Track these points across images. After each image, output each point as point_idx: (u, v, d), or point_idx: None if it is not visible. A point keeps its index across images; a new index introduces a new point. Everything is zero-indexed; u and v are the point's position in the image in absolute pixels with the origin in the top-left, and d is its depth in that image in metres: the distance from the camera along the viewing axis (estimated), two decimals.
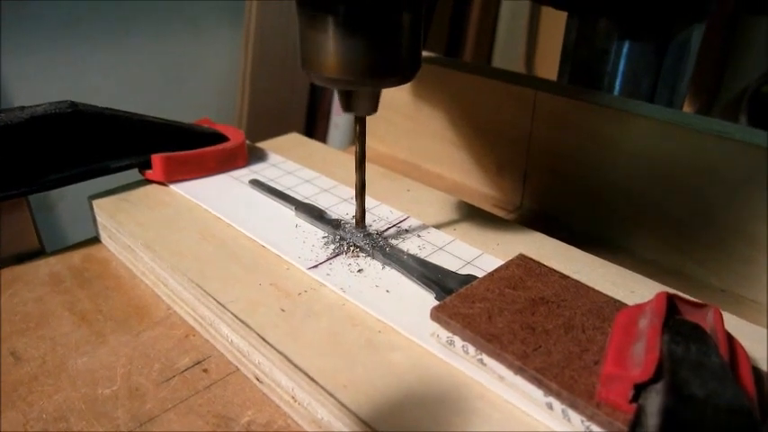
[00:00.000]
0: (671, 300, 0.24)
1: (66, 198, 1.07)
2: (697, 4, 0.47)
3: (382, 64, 0.29)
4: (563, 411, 0.23)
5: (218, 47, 1.27)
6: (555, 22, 0.72)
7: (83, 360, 0.31)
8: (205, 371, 0.30)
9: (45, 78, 1.05)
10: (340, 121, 1.25)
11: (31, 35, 1.02)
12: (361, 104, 0.31)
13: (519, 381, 0.24)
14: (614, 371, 0.22)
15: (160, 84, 1.19)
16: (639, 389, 0.21)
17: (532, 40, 0.72)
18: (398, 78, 0.30)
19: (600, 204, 0.43)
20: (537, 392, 0.23)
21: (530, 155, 0.47)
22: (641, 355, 0.22)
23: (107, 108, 0.40)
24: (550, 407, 0.23)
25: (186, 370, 0.30)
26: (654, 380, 0.21)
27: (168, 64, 1.21)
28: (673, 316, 0.24)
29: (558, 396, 0.23)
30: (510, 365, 0.24)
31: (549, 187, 0.46)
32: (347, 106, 0.31)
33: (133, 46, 1.15)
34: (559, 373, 0.23)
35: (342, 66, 0.29)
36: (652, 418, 0.20)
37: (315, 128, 1.29)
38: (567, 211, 0.46)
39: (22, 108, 0.38)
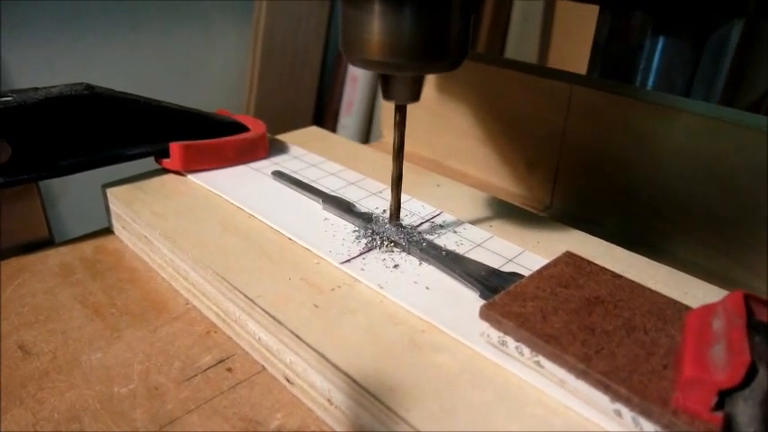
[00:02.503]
0: (747, 299, 0.22)
1: (68, 194, 1.05)
2: None
3: (430, 46, 0.27)
4: (633, 419, 0.21)
5: (225, 45, 1.26)
6: (571, 16, 0.71)
7: (97, 356, 0.29)
8: (229, 370, 0.28)
9: (50, 73, 1.03)
10: (348, 122, 1.24)
11: (36, 29, 1.00)
12: (404, 91, 0.29)
13: (582, 385, 0.22)
14: (696, 375, 0.19)
15: (166, 81, 1.17)
16: (724, 395, 0.19)
17: (547, 33, 0.70)
18: (447, 63, 0.28)
19: (637, 204, 0.41)
20: (603, 398, 0.21)
21: (562, 152, 0.45)
22: (723, 359, 0.20)
23: (124, 92, 0.38)
24: (619, 414, 0.21)
25: (209, 369, 0.28)
26: (741, 385, 0.19)
27: (175, 61, 1.19)
28: (751, 317, 0.22)
29: (627, 402, 0.21)
30: (572, 368, 0.22)
31: (582, 186, 0.45)
32: (388, 93, 0.29)
33: (140, 42, 1.13)
34: (627, 378, 0.21)
35: (386, 47, 0.27)
36: (746, 428, 0.18)
37: (322, 128, 1.27)
38: (600, 211, 0.44)
39: (36, 89, 0.36)
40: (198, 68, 1.24)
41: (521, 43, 0.74)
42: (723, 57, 0.47)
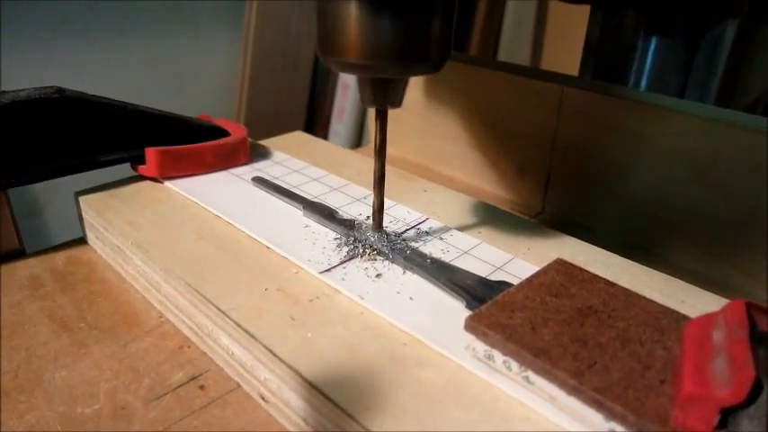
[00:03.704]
0: (749, 309, 0.21)
1: (54, 202, 1.03)
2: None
3: (411, 47, 0.25)
4: None
5: (216, 51, 1.24)
6: (563, 17, 0.69)
7: (61, 374, 0.27)
8: (201, 387, 0.27)
9: (37, 80, 1.01)
10: (340, 128, 1.22)
11: (23, 34, 0.98)
12: (384, 95, 0.28)
13: (573, 402, 0.20)
14: (697, 391, 0.18)
15: (156, 87, 1.16)
16: (727, 413, 0.18)
17: (539, 35, 0.69)
18: (429, 65, 0.27)
19: (631, 209, 0.40)
20: (596, 416, 0.20)
21: (554, 156, 0.43)
22: (726, 374, 0.18)
23: (97, 96, 0.37)
24: None
25: (180, 386, 0.27)
26: (746, 403, 0.17)
27: (164, 67, 1.18)
28: (754, 328, 0.20)
29: (622, 421, 0.19)
30: (563, 384, 0.21)
31: (574, 190, 0.43)
32: (367, 97, 0.28)
33: (129, 47, 1.11)
34: (622, 394, 0.20)
35: (366, 49, 0.25)
36: None
37: (314, 135, 1.26)
38: (593, 217, 0.43)
39: (3, 92, 0.34)
40: (188, 75, 1.22)
41: (513, 46, 0.73)
42: (717, 58, 0.45)
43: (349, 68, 0.27)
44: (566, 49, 0.51)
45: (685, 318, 0.24)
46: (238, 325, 0.25)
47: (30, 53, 0.99)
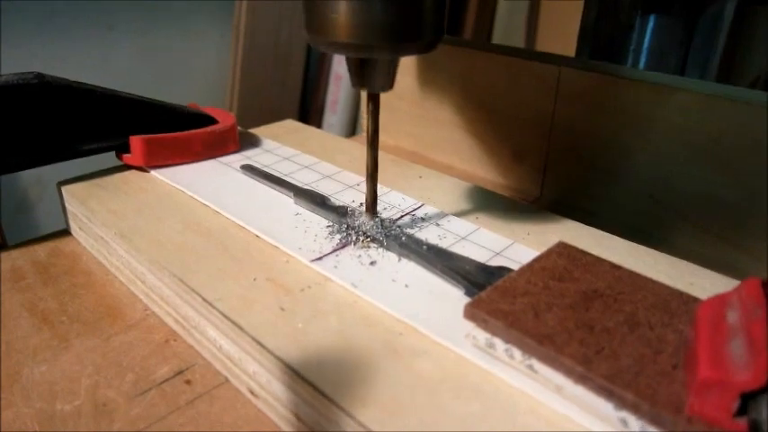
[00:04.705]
0: (766, 287, 0.20)
1: (44, 196, 1.01)
2: None
3: (403, 25, 0.24)
4: (642, 429, 0.18)
5: (207, 45, 1.23)
6: None
7: (41, 369, 0.26)
8: (188, 382, 0.25)
9: None
10: (333, 120, 1.21)
11: (10, 30, 0.96)
12: (376, 78, 0.26)
13: (581, 391, 0.19)
14: (714, 376, 0.17)
15: (147, 80, 1.14)
16: (747, 399, 0.16)
17: (534, 16, 0.68)
18: (422, 44, 0.25)
19: (632, 191, 0.39)
20: (606, 406, 0.19)
21: (552, 139, 0.42)
22: (744, 356, 0.17)
23: (79, 82, 0.35)
24: (625, 423, 0.18)
25: (165, 381, 0.25)
26: (767, 387, 0.16)
27: (155, 62, 1.16)
28: None
29: (635, 409, 0.18)
30: (569, 372, 0.19)
31: (573, 174, 0.42)
32: (358, 79, 0.27)
33: (117, 43, 1.10)
34: (633, 381, 0.19)
35: (355, 28, 0.24)
36: None
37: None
38: (593, 200, 0.41)
39: None
40: (179, 69, 1.21)
41: (508, 28, 0.71)
42: (717, 36, 0.44)
43: (337, 49, 0.25)
44: (561, 31, 0.50)
45: (695, 299, 0.23)
46: (225, 316, 0.24)
47: (17, 48, 0.97)
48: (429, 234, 0.30)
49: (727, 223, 0.35)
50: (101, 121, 0.36)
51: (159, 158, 0.38)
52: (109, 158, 0.38)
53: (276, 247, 0.29)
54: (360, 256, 0.28)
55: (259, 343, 0.22)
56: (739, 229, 0.35)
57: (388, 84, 0.27)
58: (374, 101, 0.28)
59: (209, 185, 0.35)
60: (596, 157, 0.40)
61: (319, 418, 0.21)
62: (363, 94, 0.28)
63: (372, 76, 0.26)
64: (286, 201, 0.34)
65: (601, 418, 0.19)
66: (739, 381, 0.16)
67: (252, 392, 0.24)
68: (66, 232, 0.37)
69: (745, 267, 0.35)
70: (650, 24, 0.44)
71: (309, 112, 1.26)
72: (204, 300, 0.25)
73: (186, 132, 0.38)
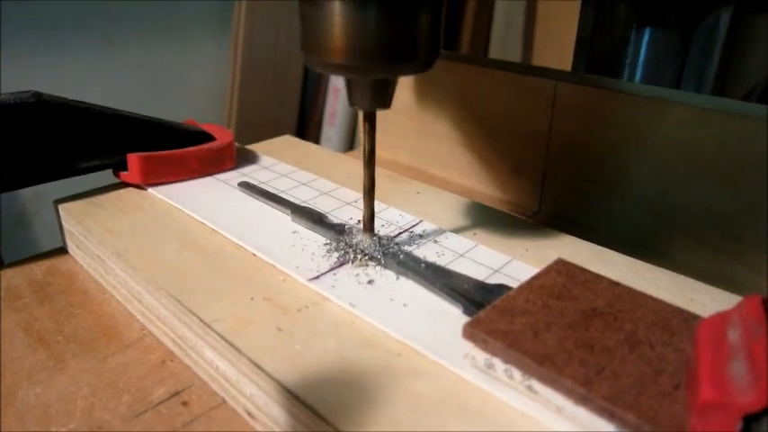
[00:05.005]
0: (766, 305, 0.20)
1: (41, 213, 1.01)
2: None
3: (398, 45, 0.24)
4: None
5: (205, 58, 1.23)
6: (554, 13, 0.68)
7: (36, 391, 0.26)
8: (184, 404, 0.25)
9: (23, 87, 0.99)
10: (332, 133, 1.21)
11: (8, 43, 0.97)
12: (371, 96, 0.26)
13: (582, 412, 0.19)
14: (716, 397, 0.17)
15: (145, 94, 1.14)
16: (749, 421, 0.16)
17: (530, 31, 0.68)
18: (418, 64, 0.25)
19: (631, 205, 0.39)
20: (607, 427, 0.19)
21: (549, 153, 0.42)
22: (746, 377, 0.17)
23: (77, 100, 0.35)
24: None
25: (161, 403, 0.25)
26: None
27: (153, 75, 1.16)
28: None
29: (636, 431, 0.18)
30: (570, 393, 0.19)
31: (571, 188, 0.42)
32: (354, 98, 0.27)
33: (116, 54, 1.10)
34: (634, 402, 0.19)
35: (351, 49, 0.24)
36: None
37: (305, 140, 1.25)
38: (592, 214, 0.41)
39: None
40: (177, 82, 1.21)
41: (504, 43, 0.72)
42: (712, 48, 0.44)
43: (334, 69, 0.25)
44: (557, 46, 0.50)
45: (696, 317, 0.23)
46: (222, 337, 0.24)
47: (15, 60, 0.97)
48: (427, 251, 0.30)
49: (726, 236, 0.35)
50: (98, 139, 0.36)
51: (156, 176, 0.37)
52: (106, 176, 0.38)
53: (273, 265, 0.29)
54: (358, 274, 0.28)
55: (256, 365, 0.22)
56: (738, 243, 0.35)
57: (386, 102, 0.27)
58: (371, 120, 0.28)
59: (207, 203, 0.35)
60: (594, 170, 0.40)
61: None
62: (360, 111, 0.28)
63: (369, 96, 0.26)
64: (283, 218, 0.33)
65: None
66: (742, 403, 0.16)
67: (249, 414, 0.24)
68: (63, 250, 0.37)
69: (745, 281, 0.35)
70: (646, 37, 0.45)
71: (307, 125, 1.27)
72: (201, 320, 0.25)
73: (183, 150, 0.38)
